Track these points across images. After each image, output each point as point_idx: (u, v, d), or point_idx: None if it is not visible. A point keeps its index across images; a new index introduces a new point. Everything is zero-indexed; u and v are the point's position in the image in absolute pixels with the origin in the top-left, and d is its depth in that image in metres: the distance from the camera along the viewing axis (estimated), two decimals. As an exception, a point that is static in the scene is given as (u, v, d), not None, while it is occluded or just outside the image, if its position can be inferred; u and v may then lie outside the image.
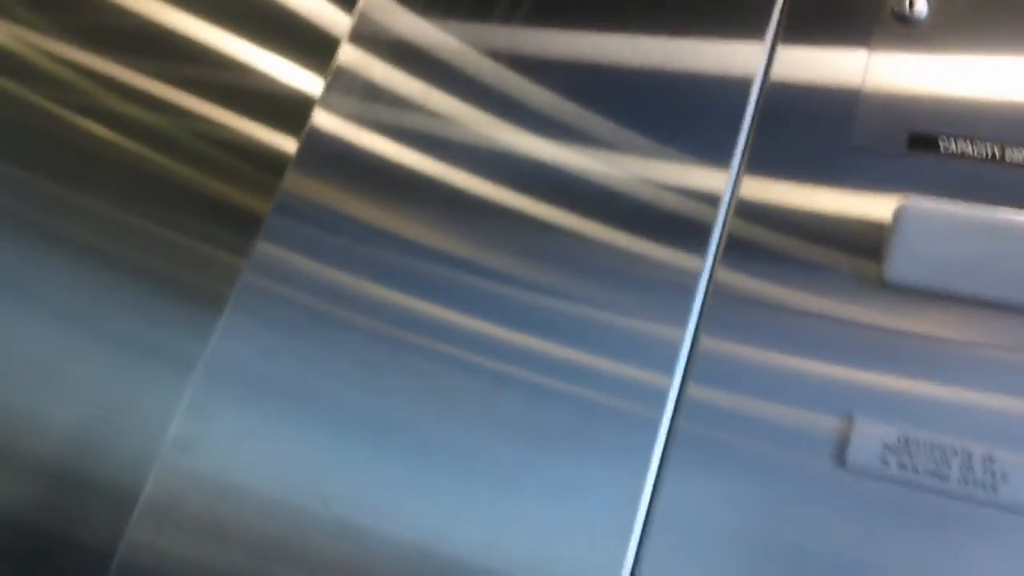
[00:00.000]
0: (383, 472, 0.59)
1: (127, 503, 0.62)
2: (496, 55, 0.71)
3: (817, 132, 0.65)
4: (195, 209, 0.69)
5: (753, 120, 0.66)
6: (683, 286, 0.62)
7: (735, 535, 0.55)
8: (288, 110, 0.70)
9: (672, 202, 0.64)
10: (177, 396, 0.63)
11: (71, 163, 0.68)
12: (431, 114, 0.70)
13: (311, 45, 0.72)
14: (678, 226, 0.64)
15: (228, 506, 0.60)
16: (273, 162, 0.69)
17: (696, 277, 0.62)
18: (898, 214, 0.58)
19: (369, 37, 0.73)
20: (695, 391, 0.59)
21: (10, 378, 0.64)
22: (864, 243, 0.60)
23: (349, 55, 0.72)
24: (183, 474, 0.62)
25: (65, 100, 0.70)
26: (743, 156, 0.66)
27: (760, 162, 0.65)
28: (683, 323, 0.61)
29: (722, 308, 0.61)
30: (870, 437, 0.55)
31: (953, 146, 0.61)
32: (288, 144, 0.70)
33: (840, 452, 0.55)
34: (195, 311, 0.66)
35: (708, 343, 0.60)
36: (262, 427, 0.62)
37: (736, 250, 0.63)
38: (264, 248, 0.67)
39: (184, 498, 0.61)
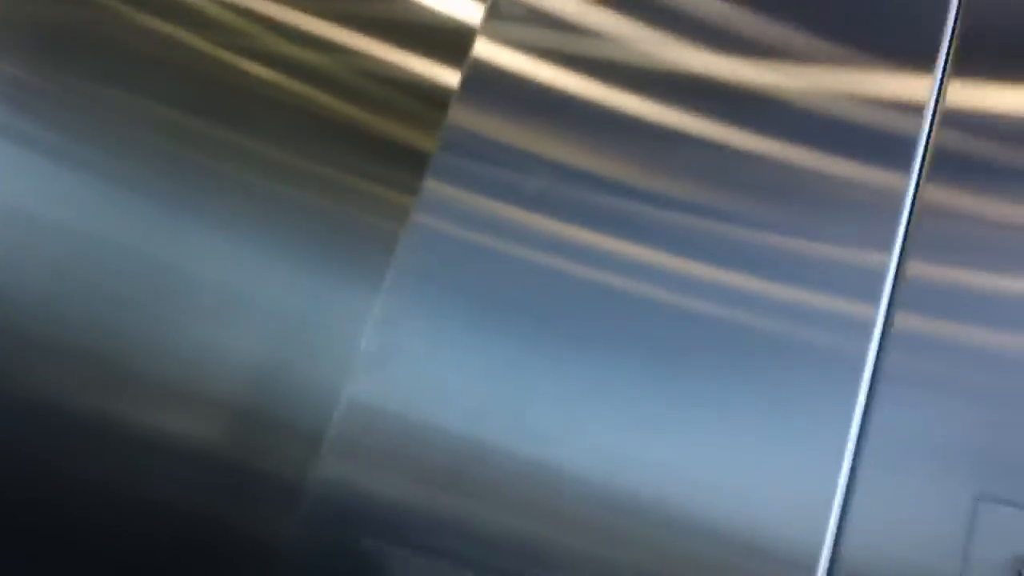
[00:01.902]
0: (570, 405, 0.58)
1: (313, 437, 0.64)
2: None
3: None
4: (361, 149, 0.69)
5: (957, 15, 0.60)
6: (886, 206, 0.57)
7: (951, 473, 0.51)
8: (449, 41, 0.68)
9: (869, 115, 0.59)
10: (353, 334, 0.64)
11: (238, 107, 0.69)
12: (597, 35, 0.66)
13: (467, -29, 0.69)
14: (878, 141, 0.58)
15: (415, 439, 0.61)
16: (437, 96, 0.67)
17: (901, 196, 0.57)
18: None
19: (526, -43, 0.70)
20: (903, 320, 0.54)
21: (194, 316, 0.66)
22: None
23: (505, -22, 0.69)
24: (371, 404, 0.62)
25: (229, 44, 0.70)
26: (947, 58, 0.59)
27: (968, 64, 0.59)
28: (888, 247, 0.56)
29: (931, 228, 0.56)
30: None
31: None
32: (451, 77, 0.68)
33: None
34: (367, 251, 0.66)
35: (916, 267, 0.55)
36: (446, 358, 0.62)
37: (944, 164, 0.57)
38: (432, 185, 0.66)
39: (373, 426, 0.62)
